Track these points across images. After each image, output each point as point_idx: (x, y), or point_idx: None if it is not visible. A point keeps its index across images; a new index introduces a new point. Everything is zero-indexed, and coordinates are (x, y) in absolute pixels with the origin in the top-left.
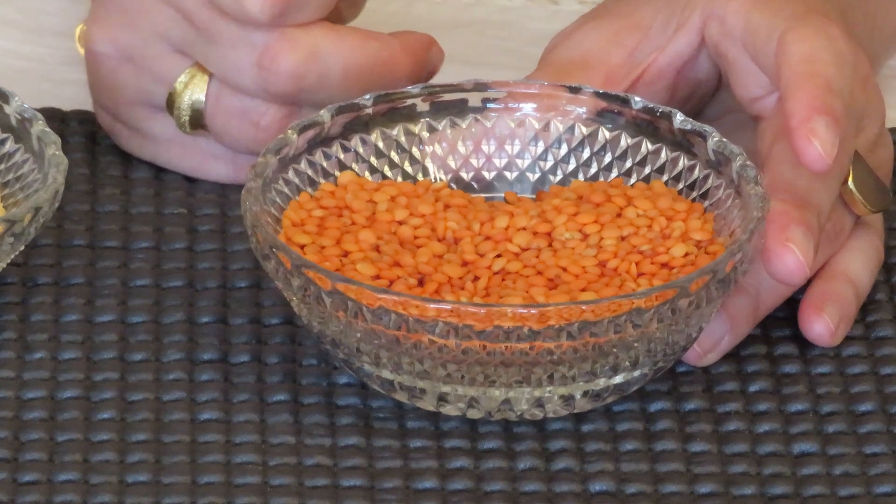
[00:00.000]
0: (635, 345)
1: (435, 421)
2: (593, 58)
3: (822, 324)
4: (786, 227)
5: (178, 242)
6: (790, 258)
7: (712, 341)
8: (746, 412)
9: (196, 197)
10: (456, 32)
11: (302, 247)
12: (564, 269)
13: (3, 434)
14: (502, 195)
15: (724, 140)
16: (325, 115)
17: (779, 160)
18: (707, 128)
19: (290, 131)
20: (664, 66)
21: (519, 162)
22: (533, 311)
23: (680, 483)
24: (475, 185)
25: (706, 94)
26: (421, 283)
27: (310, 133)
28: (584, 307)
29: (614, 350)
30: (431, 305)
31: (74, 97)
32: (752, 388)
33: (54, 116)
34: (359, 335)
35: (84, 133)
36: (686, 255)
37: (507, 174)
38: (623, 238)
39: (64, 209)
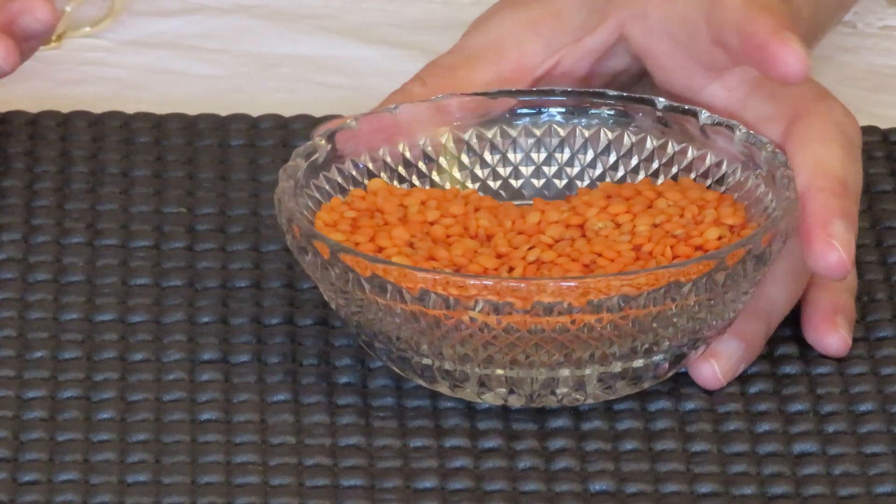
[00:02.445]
0: (674, 320)
1: (435, 420)
2: (507, 43)
3: (840, 337)
4: (828, 222)
5: (178, 242)
6: (833, 255)
7: (730, 365)
8: (746, 412)
9: (196, 196)
10: (454, 32)
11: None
12: (599, 255)
13: (3, 434)
14: (530, 202)
15: (751, 132)
16: (352, 123)
17: (806, 138)
18: (733, 122)
19: (318, 138)
20: (579, 59)
21: (546, 169)
22: (573, 283)
23: (680, 483)
24: (503, 194)
25: (627, 81)
26: None
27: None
28: (623, 279)
29: (654, 325)
30: (471, 282)
31: (75, 97)
32: (753, 388)
33: (54, 117)
34: (398, 321)
35: (84, 132)
36: (720, 238)
37: (535, 181)
38: (656, 225)
39: (64, 207)
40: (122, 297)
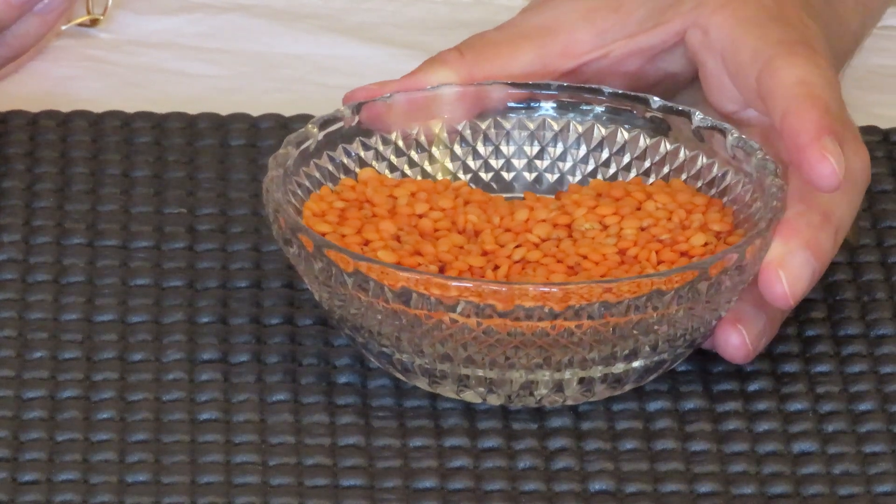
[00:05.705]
0: (655, 328)
1: (435, 420)
2: (558, 27)
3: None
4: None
5: (178, 242)
6: (778, 287)
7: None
8: (746, 411)
9: (196, 196)
10: (455, 32)
11: (322, 235)
12: (584, 257)
13: (3, 434)
14: (521, 195)
15: (743, 136)
16: (346, 110)
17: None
18: (726, 125)
19: (310, 125)
20: (630, 55)
21: (538, 163)
22: (554, 289)
23: (680, 482)
24: (494, 186)
25: (679, 84)
26: (441, 271)
27: (330, 128)
28: (605, 286)
29: (634, 332)
30: (453, 284)
31: (75, 96)
32: (752, 387)
33: (54, 117)
34: (379, 317)
35: (85, 132)
36: (705, 244)
37: (527, 175)
38: (643, 229)
39: (64, 208)
40: (122, 297)
